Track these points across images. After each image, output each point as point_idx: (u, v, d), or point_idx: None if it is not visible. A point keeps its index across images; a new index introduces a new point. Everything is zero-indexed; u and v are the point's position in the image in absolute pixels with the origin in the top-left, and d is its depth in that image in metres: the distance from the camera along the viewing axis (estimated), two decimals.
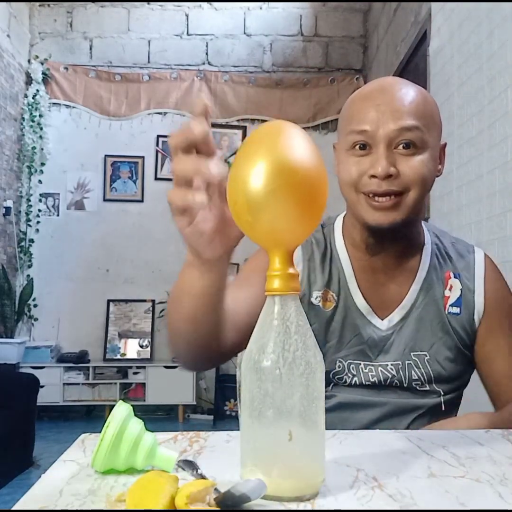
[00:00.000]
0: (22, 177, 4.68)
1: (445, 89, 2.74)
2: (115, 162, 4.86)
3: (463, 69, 2.52)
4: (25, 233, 4.65)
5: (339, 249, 1.02)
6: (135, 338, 4.73)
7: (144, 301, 4.78)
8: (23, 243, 4.64)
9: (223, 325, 0.82)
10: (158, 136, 4.87)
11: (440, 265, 1.01)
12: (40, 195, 4.75)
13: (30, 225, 4.68)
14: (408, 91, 0.91)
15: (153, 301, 4.76)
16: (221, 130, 4.92)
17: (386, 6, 4.20)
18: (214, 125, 4.90)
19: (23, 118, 4.66)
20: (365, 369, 0.97)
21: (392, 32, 4.01)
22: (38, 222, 4.72)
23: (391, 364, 0.97)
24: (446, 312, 0.98)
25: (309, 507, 0.53)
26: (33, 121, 4.65)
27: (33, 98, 4.67)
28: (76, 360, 4.46)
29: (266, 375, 0.56)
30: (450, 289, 0.99)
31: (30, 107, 4.65)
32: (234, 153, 4.85)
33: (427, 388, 0.97)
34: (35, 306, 4.64)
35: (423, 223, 1.04)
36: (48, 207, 4.79)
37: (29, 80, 4.75)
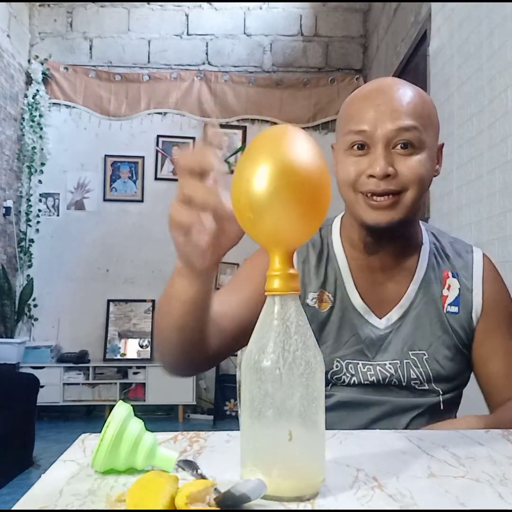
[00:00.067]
0: (22, 177, 4.69)
1: (445, 89, 2.74)
2: (115, 162, 4.86)
3: (463, 69, 2.52)
4: (25, 233, 4.65)
5: (337, 249, 1.02)
6: (135, 338, 4.73)
7: (144, 301, 4.78)
8: (23, 243, 4.64)
9: (209, 331, 0.83)
10: (158, 136, 4.87)
11: (438, 264, 1.01)
12: (40, 195, 4.75)
13: (30, 225, 4.68)
14: (406, 92, 0.92)
15: (153, 301, 4.76)
16: (221, 130, 4.92)
17: (386, 6, 4.20)
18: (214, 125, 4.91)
19: (23, 118, 4.66)
20: (364, 368, 0.97)
21: (392, 32, 4.01)
22: (38, 222, 4.72)
23: (390, 363, 0.97)
24: (445, 311, 0.99)
25: (309, 507, 0.53)
26: (33, 121, 4.65)
27: (33, 98, 4.67)
28: (76, 360, 4.46)
29: (266, 375, 0.56)
30: (448, 289, 1.00)
31: (30, 107, 4.65)
32: (234, 153, 4.86)
33: (426, 387, 0.97)
34: (35, 306, 4.64)
35: (421, 223, 1.04)
36: (48, 207, 4.79)
37: (29, 80, 4.75)
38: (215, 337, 0.86)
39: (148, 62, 4.94)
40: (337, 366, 0.97)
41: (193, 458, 0.66)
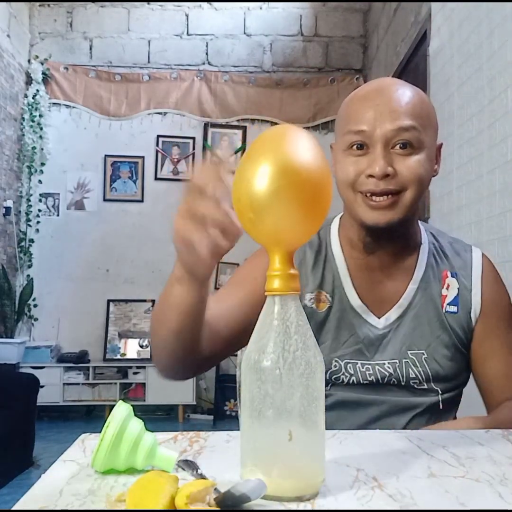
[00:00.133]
0: (22, 177, 4.68)
1: (445, 89, 2.74)
2: (115, 162, 4.86)
3: (463, 69, 2.52)
4: (25, 233, 4.65)
5: (335, 250, 1.02)
6: (135, 338, 4.73)
7: (144, 301, 4.78)
8: (23, 243, 4.64)
9: (203, 334, 0.85)
10: (158, 136, 4.87)
11: (437, 264, 1.02)
12: (40, 195, 4.75)
13: (30, 225, 4.67)
14: (404, 92, 0.92)
15: (153, 301, 4.76)
16: (221, 130, 4.93)
17: (386, 6, 4.20)
18: (214, 125, 4.91)
19: (23, 118, 4.66)
20: (362, 368, 0.97)
21: (392, 32, 4.01)
22: (38, 222, 4.72)
23: (388, 363, 0.97)
24: (444, 311, 0.99)
25: (309, 507, 0.53)
26: (33, 121, 4.65)
27: (33, 98, 4.67)
28: (76, 360, 4.46)
29: (266, 375, 0.56)
30: (447, 288, 1.00)
31: (30, 107, 4.65)
32: (234, 153, 4.86)
33: (425, 386, 0.97)
34: (35, 306, 4.64)
35: (420, 223, 1.04)
36: (48, 207, 4.79)
37: (29, 80, 4.75)
38: (210, 340, 0.88)
39: (148, 62, 4.94)
40: (335, 366, 0.97)
41: (193, 458, 0.66)
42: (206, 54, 4.97)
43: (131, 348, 4.70)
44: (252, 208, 0.59)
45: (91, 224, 4.80)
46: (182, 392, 4.40)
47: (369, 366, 0.97)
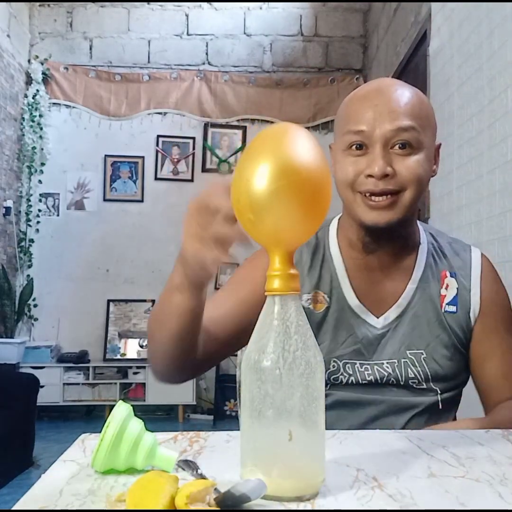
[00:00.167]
0: (22, 177, 4.68)
1: (445, 89, 2.74)
2: (115, 162, 4.86)
3: (463, 69, 2.52)
4: (25, 233, 4.65)
5: (333, 250, 1.02)
6: (135, 338, 4.73)
7: (144, 301, 4.78)
8: (23, 243, 4.64)
9: (201, 338, 0.87)
10: (158, 136, 4.87)
11: (436, 264, 1.02)
12: (40, 195, 4.75)
13: (30, 225, 4.67)
14: (404, 92, 0.93)
15: (153, 301, 4.76)
16: (221, 130, 4.93)
17: (386, 6, 4.20)
18: (214, 125, 4.91)
19: (23, 118, 4.66)
20: (361, 368, 0.97)
21: (392, 32, 4.01)
22: (38, 222, 4.71)
23: (387, 362, 0.97)
24: (443, 311, 0.99)
25: (309, 507, 0.53)
26: (33, 121, 4.65)
27: (33, 98, 4.67)
28: (76, 360, 4.46)
29: (266, 375, 0.56)
30: (446, 288, 1.00)
31: (30, 107, 4.65)
32: (234, 154, 4.86)
33: (424, 386, 0.97)
34: (35, 306, 4.64)
35: (419, 223, 1.04)
36: (48, 207, 4.79)
37: (29, 80, 4.75)
38: (207, 343, 0.89)
39: (148, 62, 4.94)
40: (334, 366, 0.97)
41: (193, 458, 0.66)
42: (206, 54, 4.97)
43: (131, 348, 4.70)
44: (252, 208, 0.59)
45: (91, 224, 4.80)
46: (182, 392, 4.40)
47: (368, 366, 0.97)
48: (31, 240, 4.67)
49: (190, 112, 4.89)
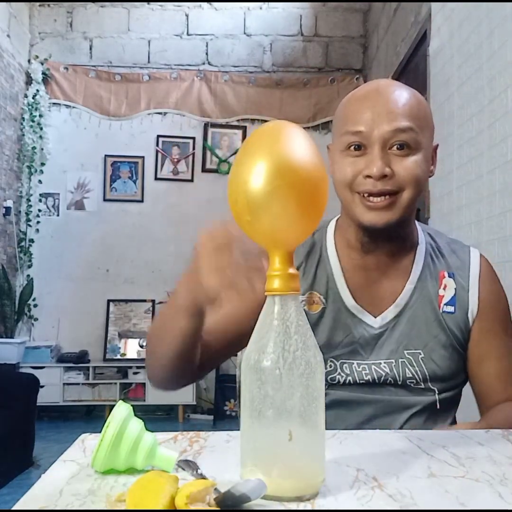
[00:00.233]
0: (22, 177, 4.68)
1: (445, 89, 2.74)
2: (115, 162, 4.86)
3: (463, 69, 2.52)
4: (25, 233, 4.65)
5: (330, 251, 1.03)
6: (135, 338, 4.72)
7: (144, 301, 4.78)
8: (23, 243, 4.64)
9: (198, 349, 0.90)
10: (158, 136, 4.87)
11: (434, 264, 1.02)
12: (40, 195, 4.75)
13: (30, 225, 4.67)
14: (402, 93, 0.93)
15: (153, 301, 4.76)
16: (221, 130, 4.93)
17: (386, 6, 4.20)
18: (214, 125, 4.91)
19: (23, 118, 4.66)
20: (359, 368, 0.97)
21: (392, 32, 4.01)
22: (38, 222, 4.71)
23: (384, 362, 0.97)
24: (441, 311, 0.99)
25: (309, 507, 0.53)
26: (33, 121, 4.65)
27: (33, 98, 4.67)
28: (76, 360, 4.46)
29: (266, 375, 0.56)
30: (444, 288, 1.00)
31: (30, 107, 4.65)
32: (234, 154, 4.85)
33: (422, 386, 0.97)
34: (35, 306, 4.64)
35: (417, 223, 1.05)
36: (48, 207, 4.79)
37: (29, 80, 4.75)
38: (203, 352, 0.91)
39: (148, 62, 4.94)
40: (330, 366, 0.97)
41: (193, 458, 0.66)
42: (206, 54, 4.97)
43: (131, 348, 4.70)
44: (249, 209, 0.59)
45: (91, 224, 4.80)
46: (182, 392, 4.38)
47: (365, 366, 0.97)
48: (31, 240, 4.67)
49: (190, 112, 4.89)
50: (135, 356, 4.67)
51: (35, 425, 3.37)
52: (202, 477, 0.59)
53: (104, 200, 4.84)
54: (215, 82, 4.91)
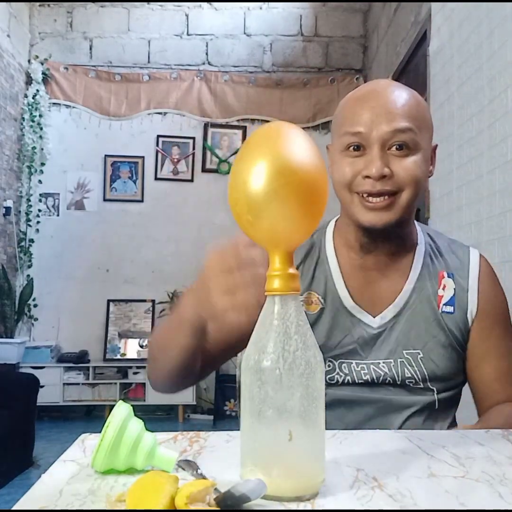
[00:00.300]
0: (22, 177, 4.68)
1: (445, 89, 2.74)
2: (115, 162, 4.86)
3: (463, 69, 2.52)
4: (25, 233, 4.65)
5: (329, 252, 1.03)
6: (135, 338, 4.72)
7: (144, 301, 4.78)
8: (23, 243, 4.64)
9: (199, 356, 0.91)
10: (158, 136, 4.87)
11: (433, 264, 1.02)
12: (40, 195, 4.75)
13: (30, 225, 4.67)
14: (401, 94, 0.93)
15: (153, 301, 4.76)
16: (221, 130, 4.92)
17: (386, 6, 4.20)
18: (214, 125, 4.91)
19: (23, 118, 4.66)
20: (357, 367, 0.97)
21: (392, 32, 4.01)
22: (38, 222, 4.71)
23: (383, 362, 0.97)
24: (440, 311, 0.99)
25: (309, 507, 0.53)
26: (33, 121, 4.65)
27: (33, 98, 4.67)
28: (76, 360, 4.46)
29: (266, 375, 0.56)
30: (443, 289, 1.00)
31: (30, 107, 4.65)
32: (234, 154, 4.85)
33: (421, 386, 0.97)
34: (35, 306, 4.64)
35: (417, 223, 1.05)
36: (48, 207, 4.79)
37: (29, 80, 4.74)
38: (203, 358, 0.92)
39: (148, 62, 4.94)
40: (329, 366, 0.97)
41: (193, 458, 0.66)
42: (206, 54, 4.97)
43: (131, 348, 4.70)
44: (250, 210, 0.59)
45: (91, 224, 4.80)
46: (182, 392, 4.38)
47: (364, 366, 0.97)
48: (31, 240, 4.67)
49: (190, 112, 4.89)
50: (135, 356, 4.67)
51: (35, 425, 3.37)
52: (202, 477, 0.59)
53: (104, 200, 4.84)
54: (215, 82, 4.91)
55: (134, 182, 4.87)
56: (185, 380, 0.95)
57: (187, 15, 4.94)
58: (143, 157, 4.86)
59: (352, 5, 4.94)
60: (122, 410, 0.61)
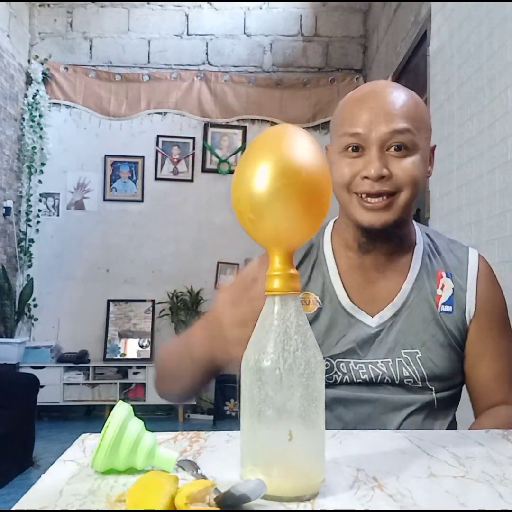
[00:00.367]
0: (22, 177, 4.68)
1: (445, 89, 2.74)
2: (115, 162, 4.86)
3: (463, 69, 2.52)
4: (25, 233, 4.65)
5: (326, 252, 1.03)
6: (135, 338, 4.73)
7: (144, 301, 4.78)
8: (23, 243, 4.64)
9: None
10: (158, 136, 4.87)
11: (431, 264, 1.02)
12: (40, 195, 4.75)
13: (30, 225, 4.68)
14: (399, 95, 0.94)
15: (153, 301, 4.76)
16: (221, 130, 4.93)
17: (386, 6, 4.20)
18: (214, 125, 4.91)
19: (23, 118, 4.66)
20: (355, 367, 0.97)
21: (392, 32, 4.01)
22: (38, 222, 4.72)
23: (381, 361, 0.97)
24: (439, 311, 0.99)
25: (309, 507, 0.53)
26: (33, 121, 4.65)
27: (33, 98, 4.67)
28: (76, 360, 4.46)
29: (266, 375, 0.56)
30: (442, 288, 1.00)
31: (30, 107, 4.65)
32: (234, 154, 4.86)
33: (420, 385, 0.97)
34: (35, 306, 4.64)
35: (416, 224, 1.05)
36: (48, 207, 4.79)
37: (29, 80, 4.75)
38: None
39: (148, 62, 4.94)
40: (327, 365, 0.97)
41: (193, 458, 0.66)
42: (206, 54, 4.97)
43: (131, 348, 4.70)
44: (252, 208, 0.59)
45: (91, 224, 4.80)
46: None
47: (362, 365, 0.97)
48: (31, 240, 4.67)
49: (190, 112, 4.89)
50: (135, 356, 4.67)
51: (35, 425, 3.37)
52: (202, 477, 0.59)
53: (104, 200, 4.84)
54: (215, 82, 4.91)
55: (134, 182, 4.87)
56: (192, 395, 1.01)
57: (187, 15, 4.94)
58: (143, 157, 4.86)
59: (352, 5, 4.94)
60: (122, 410, 0.61)
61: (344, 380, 0.97)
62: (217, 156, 4.89)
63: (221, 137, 4.92)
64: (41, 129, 4.69)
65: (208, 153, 4.90)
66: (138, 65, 4.93)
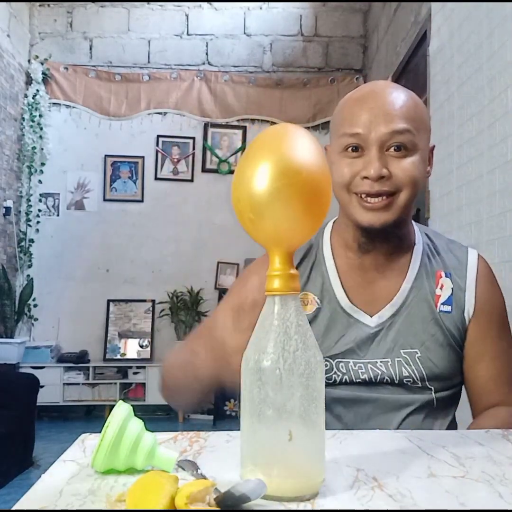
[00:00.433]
0: (22, 177, 4.68)
1: (445, 89, 2.74)
2: (115, 162, 4.86)
3: (463, 69, 2.52)
4: (25, 233, 4.65)
5: (326, 252, 1.03)
6: (135, 338, 4.73)
7: (144, 301, 4.78)
8: (23, 243, 4.64)
9: None
10: (158, 136, 4.87)
11: (431, 264, 1.02)
12: (40, 195, 4.75)
13: (30, 225, 4.67)
14: (399, 95, 0.94)
15: (153, 301, 4.76)
16: (221, 130, 4.92)
17: (386, 6, 4.20)
18: (214, 125, 4.91)
19: (23, 118, 4.66)
20: (355, 366, 0.97)
21: (392, 32, 4.01)
22: (38, 222, 4.72)
23: (380, 361, 0.97)
24: (438, 310, 0.99)
25: (309, 507, 0.53)
26: (33, 121, 4.65)
27: (33, 98, 4.67)
28: (76, 360, 4.46)
29: (266, 375, 0.56)
30: (441, 288, 1.00)
31: (30, 107, 4.65)
32: (234, 154, 4.86)
33: (419, 385, 0.97)
34: (35, 306, 4.64)
35: (415, 224, 1.05)
36: (48, 207, 4.79)
37: (29, 80, 4.75)
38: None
39: (148, 62, 4.94)
40: (326, 365, 0.97)
41: (193, 458, 0.66)
42: (206, 54, 4.97)
43: (131, 348, 4.70)
44: (252, 208, 0.59)
45: (91, 224, 4.80)
46: None
47: (361, 365, 0.97)
48: (31, 240, 4.67)
49: (190, 112, 4.89)
50: (135, 356, 4.67)
51: (35, 425, 3.37)
52: (202, 477, 0.59)
53: (104, 200, 4.84)
54: (215, 82, 4.91)
55: (134, 182, 4.87)
56: (199, 407, 1.01)
57: (187, 15, 4.94)
58: (143, 157, 4.86)
59: (352, 5, 4.94)
60: (122, 410, 0.61)
61: (343, 380, 0.97)
62: (217, 156, 4.89)
63: (221, 137, 4.92)
64: (41, 129, 4.69)
65: (208, 153, 4.90)
66: (138, 65, 4.93)
